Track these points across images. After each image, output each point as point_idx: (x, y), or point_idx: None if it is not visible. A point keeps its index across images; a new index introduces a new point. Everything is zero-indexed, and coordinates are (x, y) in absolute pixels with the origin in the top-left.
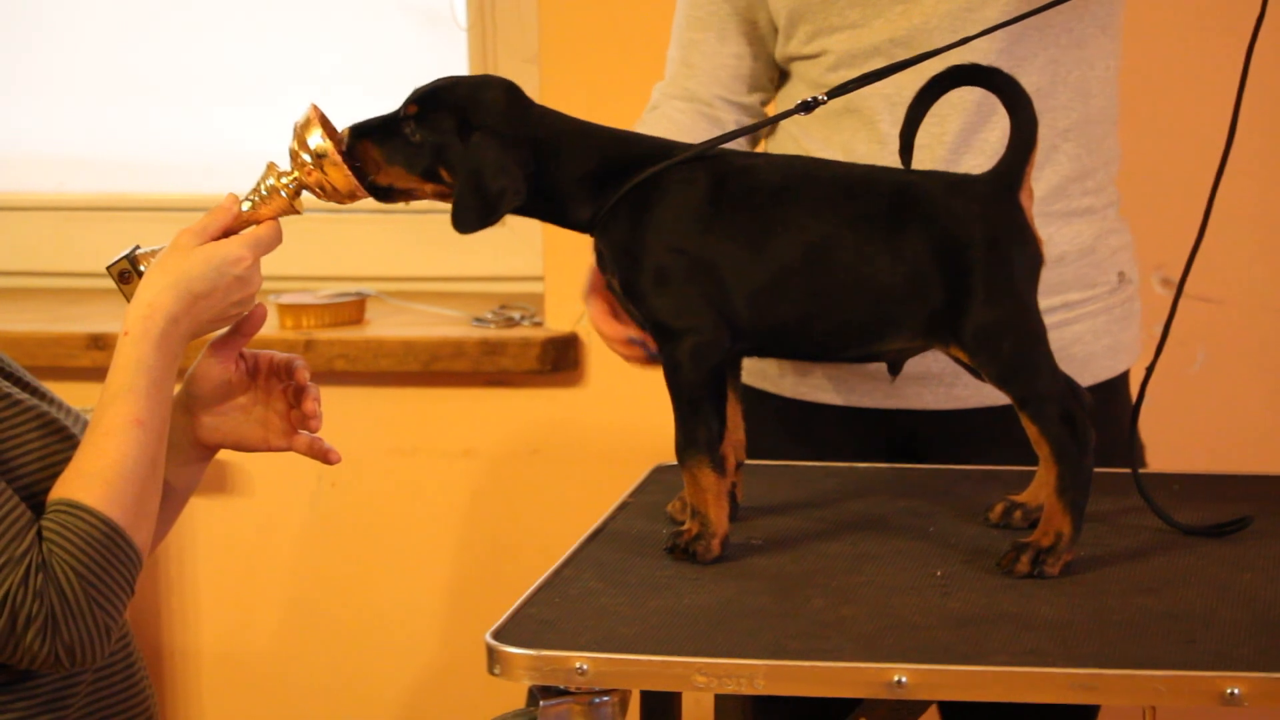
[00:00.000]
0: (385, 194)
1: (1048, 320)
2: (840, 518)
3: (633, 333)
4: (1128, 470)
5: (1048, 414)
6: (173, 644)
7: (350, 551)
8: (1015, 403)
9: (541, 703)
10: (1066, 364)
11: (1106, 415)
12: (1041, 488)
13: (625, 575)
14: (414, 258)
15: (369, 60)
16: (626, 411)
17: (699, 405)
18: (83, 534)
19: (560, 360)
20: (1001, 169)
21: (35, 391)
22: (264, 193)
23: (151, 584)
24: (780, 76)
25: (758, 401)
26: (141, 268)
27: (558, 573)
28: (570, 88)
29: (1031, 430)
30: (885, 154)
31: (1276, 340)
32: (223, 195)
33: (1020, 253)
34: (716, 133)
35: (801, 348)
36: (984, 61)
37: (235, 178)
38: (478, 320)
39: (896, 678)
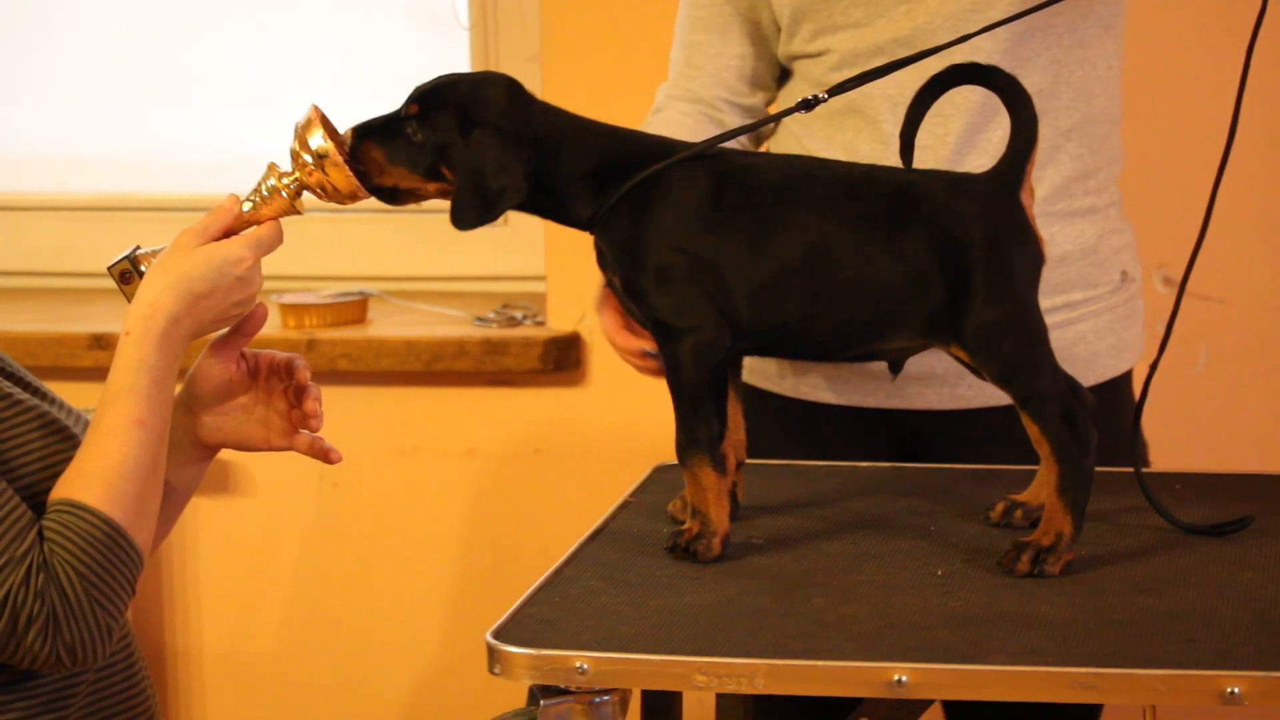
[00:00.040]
0: (390, 195)
1: (1051, 320)
2: (841, 517)
3: (647, 345)
4: (1130, 469)
5: (1048, 413)
6: (174, 644)
7: (352, 551)
8: (1016, 402)
9: (542, 702)
10: (1069, 363)
11: (1109, 415)
12: (1042, 487)
13: (626, 574)
14: (416, 257)
15: (370, 60)
16: (628, 411)
17: (700, 404)
18: (84, 534)
19: (562, 360)
20: (1002, 168)
21: (36, 391)
22: (265, 193)
23: (153, 584)
24: (782, 75)
25: (759, 401)
26: (142, 268)
27: (558, 572)
28: (572, 87)
29: (1032, 429)
30: (888, 154)
31: (1278, 339)
32: (223, 195)
33: (1021, 252)
34: None
35: (802, 347)
36: (986, 62)
37: (236, 178)
38: (480, 320)
39: (897, 677)
